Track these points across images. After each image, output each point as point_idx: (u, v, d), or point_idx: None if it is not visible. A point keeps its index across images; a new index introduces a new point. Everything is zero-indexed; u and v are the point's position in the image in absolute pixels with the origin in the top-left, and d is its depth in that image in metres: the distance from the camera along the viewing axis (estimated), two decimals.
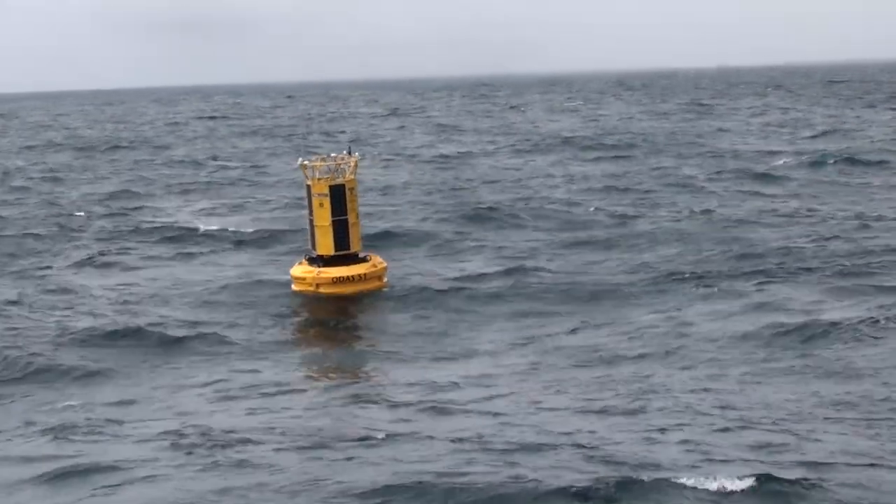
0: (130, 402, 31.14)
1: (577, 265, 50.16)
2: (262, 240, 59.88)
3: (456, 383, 31.66)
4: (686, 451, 24.27)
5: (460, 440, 25.58)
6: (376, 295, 44.73)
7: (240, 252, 57.15)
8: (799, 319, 36.78)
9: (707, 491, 21.85)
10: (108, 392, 32.82)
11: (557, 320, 40.31)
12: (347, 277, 44.57)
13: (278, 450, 25.35)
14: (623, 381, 31.09)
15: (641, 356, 34.27)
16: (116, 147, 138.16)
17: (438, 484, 22.59)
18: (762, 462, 23.44)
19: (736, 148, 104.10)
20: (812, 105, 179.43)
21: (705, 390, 29.71)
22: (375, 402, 29.70)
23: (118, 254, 57.42)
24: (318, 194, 44.60)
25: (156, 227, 65.13)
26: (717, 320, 38.20)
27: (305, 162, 45.58)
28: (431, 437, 25.92)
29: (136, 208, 75.81)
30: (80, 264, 54.87)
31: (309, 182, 45.10)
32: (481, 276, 48.10)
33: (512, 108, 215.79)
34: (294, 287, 45.31)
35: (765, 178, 79.79)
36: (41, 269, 53.88)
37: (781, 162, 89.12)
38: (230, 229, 63.26)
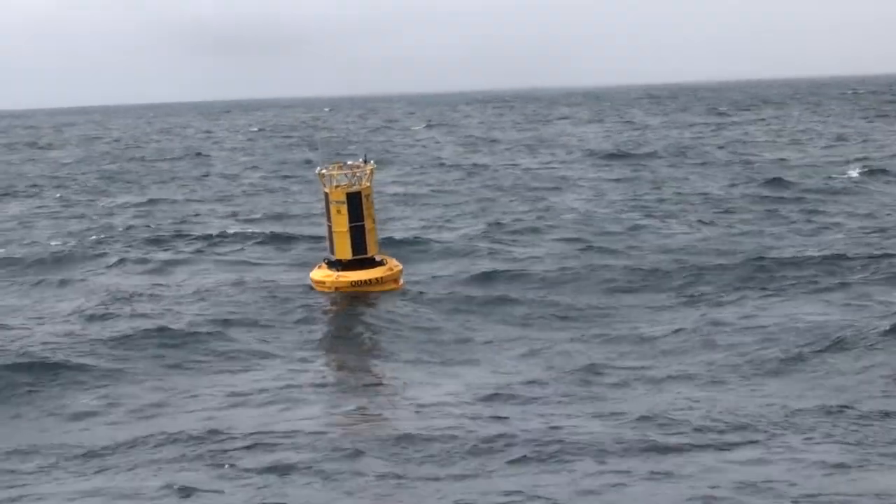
0: (158, 405, 31.34)
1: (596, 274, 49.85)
2: (289, 244, 60.03)
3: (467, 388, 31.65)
4: None
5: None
6: (392, 297, 44.68)
7: (267, 256, 57.27)
8: None
9: None
10: (134, 391, 33.02)
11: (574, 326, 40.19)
12: (365, 281, 44.71)
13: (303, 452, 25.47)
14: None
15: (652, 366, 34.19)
16: (159, 159, 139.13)
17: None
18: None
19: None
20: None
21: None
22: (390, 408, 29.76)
23: (150, 255, 57.86)
24: (336, 201, 44.73)
25: (191, 233, 65.44)
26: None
27: (323, 170, 45.72)
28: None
29: (175, 216, 76.31)
30: (115, 266, 55.29)
31: (326, 190, 45.19)
32: (498, 281, 48.04)
33: (542, 120, 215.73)
34: (314, 289, 45.44)
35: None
36: (82, 272, 54.40)
37: None
38: (257, 232, 63.66)
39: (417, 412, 29.01)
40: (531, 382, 32.12)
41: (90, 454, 26.65)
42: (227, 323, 41.11)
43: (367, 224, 45.03)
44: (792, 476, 23.10)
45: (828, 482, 22.78)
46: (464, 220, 69.06)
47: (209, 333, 39.43)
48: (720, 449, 25.19)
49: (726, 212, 67.95)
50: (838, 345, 34.28)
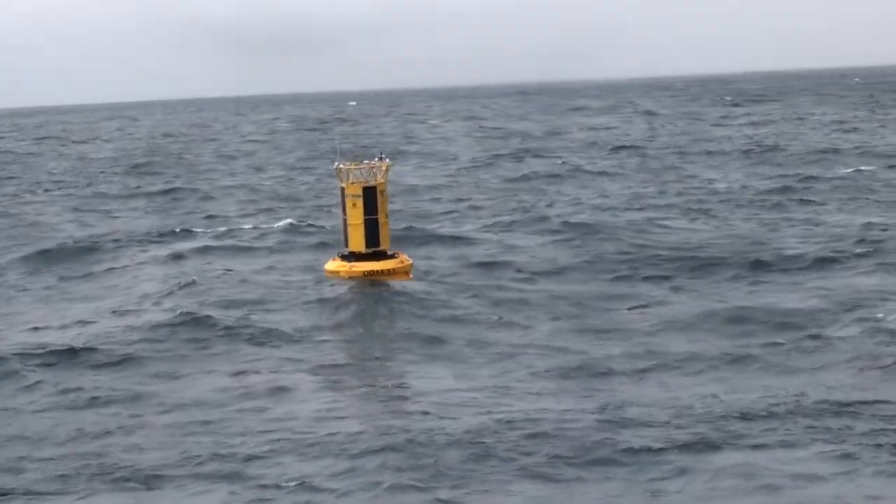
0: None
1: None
2: (307, 237, 60.52)
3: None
4: None
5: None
6: (402, 289, 45.07)
7: (283, 248, 57.67)
8: None
9: None
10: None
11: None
12: (378, 271, 45.19)
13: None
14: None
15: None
16: (184, 155, 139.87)
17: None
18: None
19: None
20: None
21: None
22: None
23: (173, 245, 58.68)
24: (352, 195, 45.18)
25: (212, 226, 66.06)
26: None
27: (341, 166, 46.23)
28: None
29: (197, 211, 77.03)
30: (141, 259, 56.08)
31: (343, 184, 45.74)
32: (508, 274, 48.35)
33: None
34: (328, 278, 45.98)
35: None
36: (104, 265, 55.25)
37: None
38: (275, 226, 64.20)
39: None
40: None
41: None
42: (243, 312, 41.83)
43: (381, 218, 45.40)
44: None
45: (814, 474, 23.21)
46: (471, 209, 69.70)
47: (231, 319, 40.11)
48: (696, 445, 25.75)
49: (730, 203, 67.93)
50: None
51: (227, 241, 59.61)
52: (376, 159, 46.49)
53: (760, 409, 27.78)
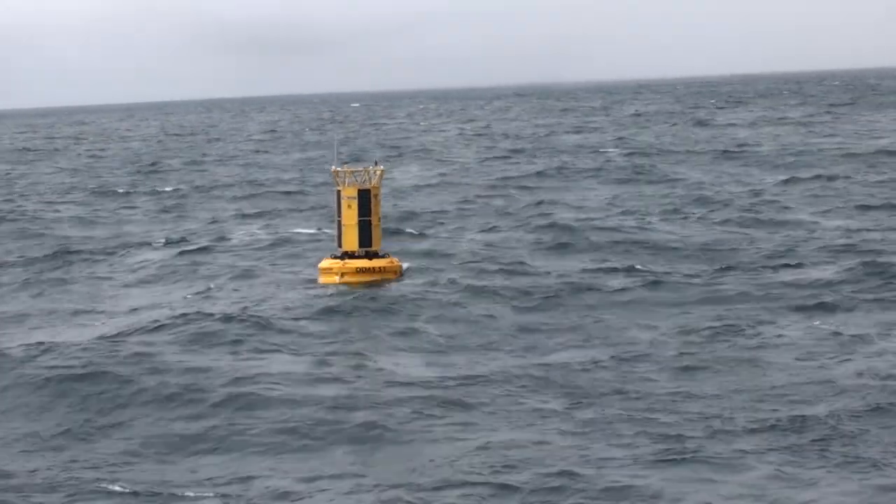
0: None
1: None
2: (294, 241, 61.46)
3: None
4: None
5: None
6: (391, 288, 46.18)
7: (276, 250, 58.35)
8: None
9: None
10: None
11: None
12: (369, 268, 46.57)
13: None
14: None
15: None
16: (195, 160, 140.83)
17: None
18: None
19: None
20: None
21: None
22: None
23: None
24: (348, 197, 46.67)
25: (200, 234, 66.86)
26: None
27: (338, 169, 47.61)
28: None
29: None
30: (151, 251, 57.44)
31: (339, 187, 47.12)
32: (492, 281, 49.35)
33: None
34: (320, 279, 47.13)
35: None
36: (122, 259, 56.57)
37: None
38: (267, 230, 65.09)
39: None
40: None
41: None
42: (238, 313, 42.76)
43: (374, 220, 47.00)
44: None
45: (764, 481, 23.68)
46: (461, 210, 71.13)
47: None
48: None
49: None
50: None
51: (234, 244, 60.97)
52: (370, 166, 48.03)
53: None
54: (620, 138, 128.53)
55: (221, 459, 26.05)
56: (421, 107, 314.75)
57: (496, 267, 49.19)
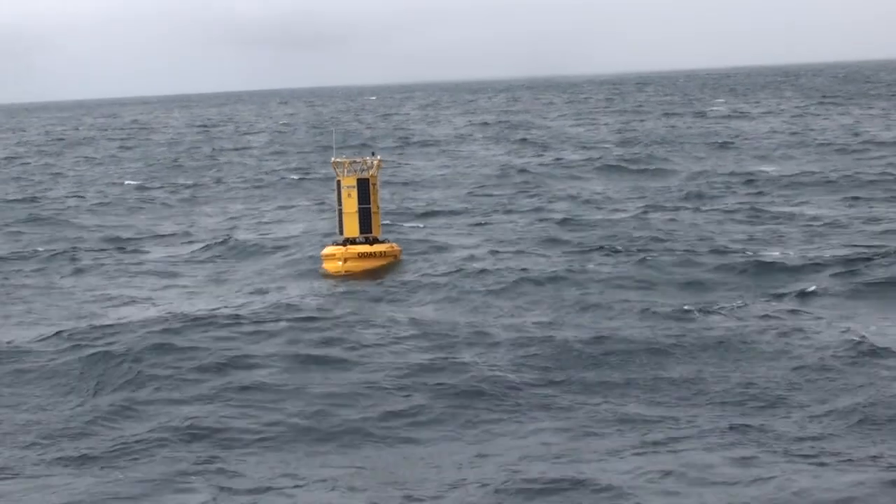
0: None
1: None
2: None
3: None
4: None
5: None
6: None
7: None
8: None
9: None
10: None
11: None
12: (371, 253, 47.11)
13: None
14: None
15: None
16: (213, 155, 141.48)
17: None
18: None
19: None
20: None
21: None
22: None
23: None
24: (347, 186, 47.21)
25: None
26: None
27: (337, 160, 48.07)
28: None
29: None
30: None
31: (339, 177, 47.56)
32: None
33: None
34: (324, 264, 47.71)
35: None
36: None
37: None
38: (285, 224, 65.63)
39: None
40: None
41: None
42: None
43: (373, 208, 47.75)
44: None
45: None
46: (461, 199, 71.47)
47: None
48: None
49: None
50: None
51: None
52: (368, 157, 48.52)
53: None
54: (619, 131, 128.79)
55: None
56: (433, 99, 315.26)
57: (499, 254, 49.46)
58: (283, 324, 36.50)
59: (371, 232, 47.58)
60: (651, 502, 21.80)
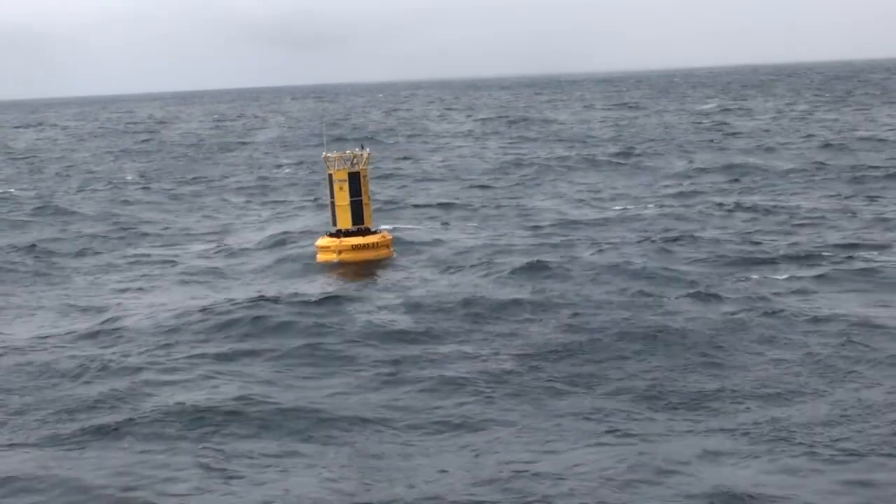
0: None
1: None
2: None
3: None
4: None
5: None
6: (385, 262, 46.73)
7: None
8: None
9: None
10: None
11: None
12: (364, 245, 47.00)
13: None
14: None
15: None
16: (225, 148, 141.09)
17: None
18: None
19: None
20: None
21: None
22: None
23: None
24: (339, 180, 47.05)
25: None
26: None
27: (328, 155, 47.92)
28: None
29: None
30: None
31: (331, 171, 47.45)
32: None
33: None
34: (319, 256, 47.54)
35: None
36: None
37: None
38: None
39: None
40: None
41: None
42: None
43: (365, 199, 47.42)
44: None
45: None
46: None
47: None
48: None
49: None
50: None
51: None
52: (357, 149, 48.34)
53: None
54: (616, 126, 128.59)
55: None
56: (437, 96, 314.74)
57: (491, 250, 49.07)
58: (281, 314, 36.45)
59: (363, 223, 47.51)
60: (616, 493, 21.72)
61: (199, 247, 54.55)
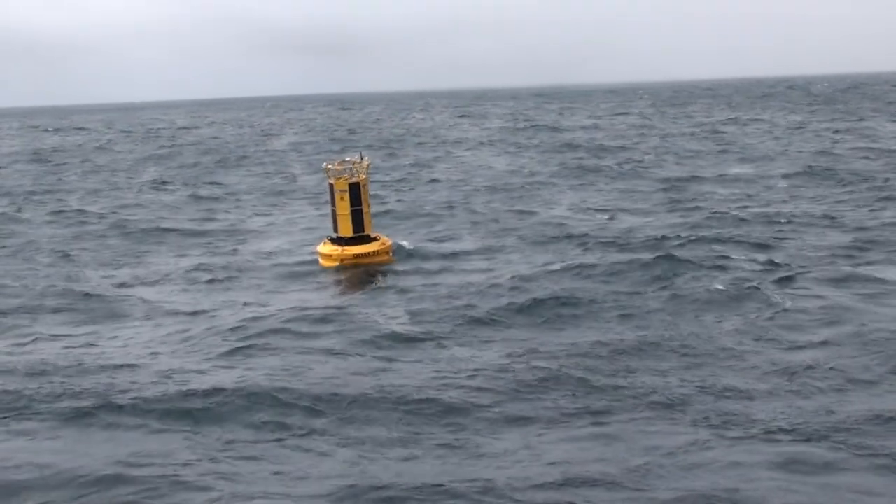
0: None
1: None
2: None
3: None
4: None
5: None
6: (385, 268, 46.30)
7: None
8: None
9: None
10: None
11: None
12: (364, 254, 46.59)
13: None
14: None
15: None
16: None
17: None
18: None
19: None
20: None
21: None
22: None
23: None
24: (340, 190, 46.72)
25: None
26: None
27: (329, 166, 47.54)
28: None
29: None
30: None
31: (331, 180, 47.04)
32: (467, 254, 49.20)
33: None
34: (321, 262, 47.15)
35: None
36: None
37: None
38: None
39: None
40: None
41: None
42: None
43: (364, 208, 47.18)
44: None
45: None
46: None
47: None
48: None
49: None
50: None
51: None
52: (356, 157, 47.92)
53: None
54: (622, 137, 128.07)
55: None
56: (448, 106, 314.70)
57: (498, 256, 48.67)
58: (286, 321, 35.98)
59: (363, 230, 47.18)
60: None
61: (203, 251, 54.12)
